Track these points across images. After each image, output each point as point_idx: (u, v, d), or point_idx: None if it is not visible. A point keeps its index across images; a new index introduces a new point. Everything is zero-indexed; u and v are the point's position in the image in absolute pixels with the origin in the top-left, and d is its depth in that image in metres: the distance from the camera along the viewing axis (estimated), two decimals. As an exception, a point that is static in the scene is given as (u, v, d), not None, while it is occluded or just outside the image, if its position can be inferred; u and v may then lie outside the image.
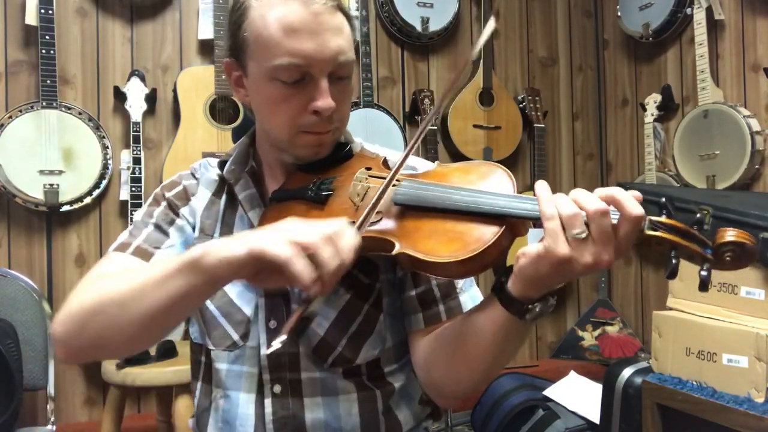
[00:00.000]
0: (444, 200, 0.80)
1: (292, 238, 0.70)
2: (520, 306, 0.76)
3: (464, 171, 0.87)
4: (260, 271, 0.72)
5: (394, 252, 0.79)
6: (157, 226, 1.00)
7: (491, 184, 0.82)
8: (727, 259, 0.68)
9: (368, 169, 0.92)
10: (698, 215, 0.71)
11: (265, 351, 0.92)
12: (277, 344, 0.73)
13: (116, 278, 0.84)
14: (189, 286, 0.75)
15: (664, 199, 0.72)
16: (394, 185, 0.84)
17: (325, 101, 0.89)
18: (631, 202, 0.68)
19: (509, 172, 0.83)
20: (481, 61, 2.98)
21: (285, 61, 0.87)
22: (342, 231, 0.73)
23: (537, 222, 0.74)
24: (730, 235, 0.67)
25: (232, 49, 0.95)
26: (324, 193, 0.91)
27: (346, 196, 0.89)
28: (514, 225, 0.77)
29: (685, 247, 0.69)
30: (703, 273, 0.69)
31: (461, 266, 0.76)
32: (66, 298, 0.85)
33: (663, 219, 0.70)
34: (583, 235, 0.69)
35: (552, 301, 0.76)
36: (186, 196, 1.03)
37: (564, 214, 0.70)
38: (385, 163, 0.95)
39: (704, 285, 0.69)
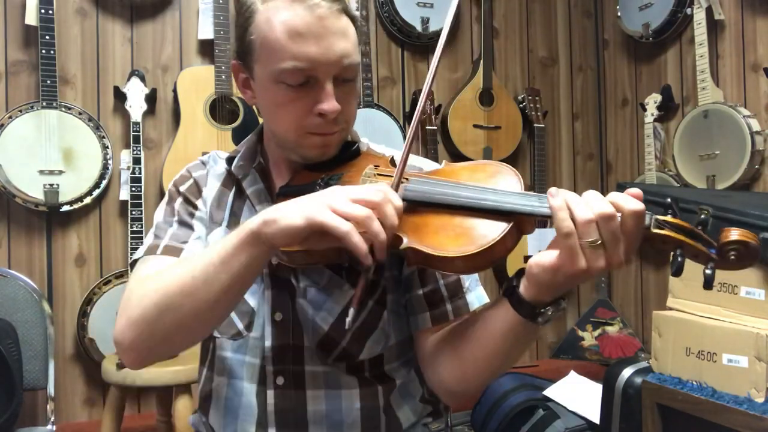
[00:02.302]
0: (452, 197, 0.81)
1: (349, 207, 0.75)
2: (532, 309, 0.77)
3: (472, 169, 0.88)
4: (311, 236, 0.76)
5: (402, 247, 0.80)
6: (181, 222, 1.01)
7: (499, 182, 0.83)
8: (732, 258, 0.69)
9: (376, 166, 0.93)
10: (702, 216, 0.72)
11: (347, 325, 0.81)
12: (349, 321, 0.77)
13: (171, 273, 0.85)
14: (252, 259, 0.79)
15: (669, 200, 0.74)
16: (402, 182, 0.85)
17: (329, 104, 0.89)
18: (630, 199, 0.71)
19: (516, 170, 0.85)
20: (482, 61, 2.98)
21: (290, 64, 0.88)
22: (390, 191, 0.78)
23: (543, 219, 0.76)
24: (734, 234, 0.68)
25: (238, 52, 0.96)
26: None
27: None
28: (521, 222, 0.78)
29: (690, 245, 0.71)
30: (708, 272, 0.70)
31: (468, 261, 0.77)
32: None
33: (669, 218, 0.72)
34: (598, 242, 0.71)
35: (564, 304, 0.77)
36: (198, 189, 1.05)
37: (579, 221, 0.71)
38: (393, 161, 0.96)
39: (708, 283, 0.70)
